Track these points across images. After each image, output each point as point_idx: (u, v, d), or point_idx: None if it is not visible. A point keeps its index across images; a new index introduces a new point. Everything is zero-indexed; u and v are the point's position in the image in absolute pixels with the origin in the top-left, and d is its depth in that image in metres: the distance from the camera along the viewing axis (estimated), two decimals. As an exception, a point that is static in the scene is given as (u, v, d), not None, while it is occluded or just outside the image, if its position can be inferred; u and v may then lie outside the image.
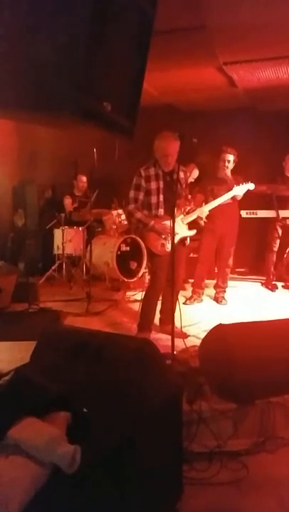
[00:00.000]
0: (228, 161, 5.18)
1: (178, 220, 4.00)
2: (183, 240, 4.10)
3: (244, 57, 4.98)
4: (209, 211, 5.25)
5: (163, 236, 3.93)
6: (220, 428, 2.69)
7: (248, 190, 4.99)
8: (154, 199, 3.92)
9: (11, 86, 1.98)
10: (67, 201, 6.86)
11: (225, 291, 5.55)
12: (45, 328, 2.67)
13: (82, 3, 1.94)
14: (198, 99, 6.76)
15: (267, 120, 6.88)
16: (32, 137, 7.13)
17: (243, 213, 5.53)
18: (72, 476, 1.55)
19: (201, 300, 5.47)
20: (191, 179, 5.87)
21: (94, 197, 6.14)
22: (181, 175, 4.02)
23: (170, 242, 3.89)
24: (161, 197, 3.92)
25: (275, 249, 6.08)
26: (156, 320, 4.27)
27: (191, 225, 4.24)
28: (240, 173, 5.27)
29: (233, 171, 5.27)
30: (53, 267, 6.47)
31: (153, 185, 3.91)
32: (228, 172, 5.19)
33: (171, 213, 3.53)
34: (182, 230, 4.07)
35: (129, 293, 5.70)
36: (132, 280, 6.34)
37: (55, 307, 5.14)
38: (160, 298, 4.22)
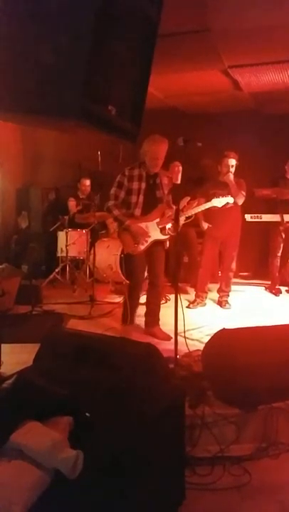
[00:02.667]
0: (232, 166, 5.17)
1: (153, 223, 4.08)
2: (157, 242, 4.15)
3: (249, 60, 4.98)
4: (211, 216, 5.29)
5: (137, 236, 4.02)
6: (223, 433, 2.68)
7: (254, 194, 4.99)
8: (133, 198, 4.02)
9: (14, 89, 1.99)
10: (71, 204, 6.87)
11: (228, 295, 5.53)
12: (48, 332, 2.67)
13: (86, 6, 1.95)
14: (203, 102, 6.77)
15: (271, 123, 6.87)
16: (36, 140, 7.15)
17: (248, 217, 5.52)
18: (75, 481, 1.55)
19: (205, 304, 5.46)
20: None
21: (97, 201, 6.15)
22: (165, 181, 4.12)
23: (143, 243, 4.04)
24: (141, 198, 4.01)
25: (279, 253, 6.07)
26: (142, 323, 4.36)
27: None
28: (244, 177, 5.26)
29: (236, 175, 5.26)
30: (57, 270, 6.47)
31: (135, 185, 4.00)
32: (231, 176, 5.18)
33: (175, 218, 3.61)
34: (156, 233, 4.10)
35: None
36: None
37: (58, 310, 5.15)
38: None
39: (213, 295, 5.66)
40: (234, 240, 5.42)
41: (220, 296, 5.53)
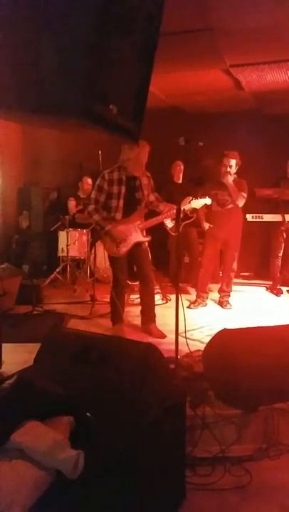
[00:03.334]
0: (230, 166, 5.16)
1: (134, 226, 4.12)
2: (138, 243, 4.18)
3: (251, 59, 4.98)
4: (213, 216, 5.28)
5: (118, 240, 4.07)
6: (223, 434, 2.67)
7: (255, 194, 4.98)
8: (114, 203, 4.06)
9: (14, 88, 1.98)
10: (72, 203, 6.87)
11: (229, 296, 5.52)
12: (49, 331, 2.66)
13: (87, 4, 1.94)
14: (205, 101, 6.77)
15: (273, 123, 6.87)
16: (37, 139, 7.14)
17: (249, 217, 5.52)
18: (75, 481, 1.54)
19: (206, 304, 5.45)
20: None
21: None
22: (145, 181, 4.14)
23: (124, 246, 4.09)
24: (122, 202, 4.06)
25: (280, 253, 6.06)
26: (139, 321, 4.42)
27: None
28: (245, 177, 5.25)
29: (237, 174, 5.25)
30: (58, 269, 6.47)
31: (115, 189, 4.04)
32: (230, 178, 5.17)
33: (176, 218, 3.57)
34: (137, 235, 4.14)
35: (133, 296, 5.67)
36: (136, 283, 6.30)
37: (59, 309, 5.14)
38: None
39: (214, 295, 5.65)
40: (235, 240, 5.40)
41: (221, 297, 5.52)
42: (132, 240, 4.12)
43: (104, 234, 4.13)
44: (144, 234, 4.22)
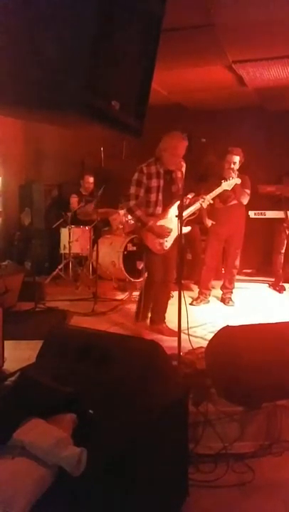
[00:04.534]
0: (234, 163, 5.15)
1: (172, 217, 4.04)
2: (178, 239, 4.07)
3: (254, 55, 4.94)
4: (215, 213, 5.26)
5: (163, 235, 3.98)
6: (226, 430, 2.67)
7: (258, 191, 4.95)
8: (153, 197, 3.95)
9: (14, 83, 1.96)
10: (74, 200, 6.86)
11: (232, 293, 5.52)
12: (51, 329, 2.66)
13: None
14: (207, 98, 6.73)
15: (276, 120, 6.84)
16: (38, 136, 7.14)
17: (252, 214, 5.51)
18: (78, 478, 1.54)
19: (208, 301, 5.45)
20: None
21: (101, 192, 6.07)
22: (179, 174, 4.05)
23: (168, 241, 4.01)
24: (160, 195, 3.96)
25: (283, 250, 6.05)
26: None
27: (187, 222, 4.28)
28: (248, 173, 5.23)
29: (240, 171, 5.23)
30: (60, 267, 6.48)
31: (154, 182, 3.92)
32: (234, 173, 5.15)
33: (178, 214, 3.57)
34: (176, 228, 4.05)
35: (135, 293, 5.67)
36: (139, 280, 6.31)
37: (61, 307, 5.15)
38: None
39: (217, 292, 5.65)
40: (238, 237, 5.39)
41: (223, 293, 5.52)
42: (174, 233, 4.01)
43: (145, 230, 3.99)
44: (184, 225, 4.10)
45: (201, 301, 5.37)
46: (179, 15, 3.51)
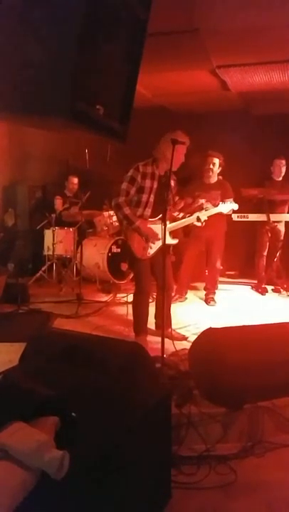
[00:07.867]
0: (213, 164, 5.20)
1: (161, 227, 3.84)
2: (165, 246, 3.91)
3: (237, 60, 5.00)
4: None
5: (148, 239, 3.82)
6: (209, 432, 2.69)
7: (241, 194, 4.98)
8: (145, 197, 3.79)
9: (0, 88, 1.96)
10: (58, 201, 6.83)
11: (214, 293, 5.60)
12: (34, 331, 2.66)
13: (73, 5, 1.93)
14: (191, 101, 6.79)
15: (259, 124, 6.92)
16: (23, 137, 7.08)
17: (234, 216, 5.56)
18: (60, 481, 1.54)
19: (185, 299, 5.55)
20: None
21: (85, 199, 6.11)
22: (172, 183, 3.96)
23: (152, 248, 3.85)
24: (152, 197, 3.80)
25: (265, 253, 6.12)
26: (153, 325, 4.22)
27: (175, 234, 4.20)
28: (231, 176, 5.29)
29: (222, 175, 5.29)
30: (43, 268, 6.44)
31: (148, 183, 3.77)
32: (215, 177, 5.20)
33: (162, 218, 3.51)
34: (166, 238, 3.87)
35: (119, 295, 5.68)
36: (123, 282, 6.33)
37: (44, 308, 5.12)
38: (153, 302, 4.23)
39: (201, 294, 5.69)
40: (219, 241, 5.48)
41: (206, 294, 5.61)
42: (160, 242, 3.80)
43: (131, 230, 3.80)
44: (172, 236, 4.00)
45: (176, 299, 5.41)
46: (163, 19, 3.53)
